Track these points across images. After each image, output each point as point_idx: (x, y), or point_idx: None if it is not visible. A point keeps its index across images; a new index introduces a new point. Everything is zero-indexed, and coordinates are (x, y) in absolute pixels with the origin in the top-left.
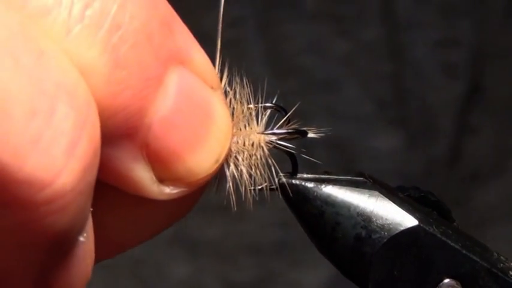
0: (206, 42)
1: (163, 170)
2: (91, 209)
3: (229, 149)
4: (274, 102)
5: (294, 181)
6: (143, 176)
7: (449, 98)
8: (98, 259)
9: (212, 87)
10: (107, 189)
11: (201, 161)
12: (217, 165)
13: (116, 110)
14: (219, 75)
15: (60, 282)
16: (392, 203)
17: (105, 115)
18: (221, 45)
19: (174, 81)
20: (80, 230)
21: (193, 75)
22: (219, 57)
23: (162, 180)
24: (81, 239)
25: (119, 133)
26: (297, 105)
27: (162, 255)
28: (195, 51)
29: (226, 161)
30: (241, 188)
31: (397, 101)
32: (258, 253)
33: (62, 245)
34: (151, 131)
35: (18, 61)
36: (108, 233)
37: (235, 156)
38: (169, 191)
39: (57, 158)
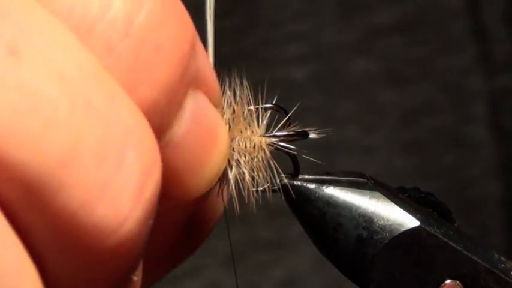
0: None
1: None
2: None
3: (230, 152)
4: (274, 102)
5: (295, 182)
6: None
7: None
8: None
9: (215, 105)
10: None
11: (197, 183)
12: (208, 186)
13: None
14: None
15: None
16: (394, 204)
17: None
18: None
19: (190, 105)
20: (135, 269)
21: (205, 97)
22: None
23: None
24: (135, 278)
25: None
26: (297, 105)
27: None
28: (208, 71)
29: (228, 163)
30: (243, 191)
31: None
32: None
33: (119, 286)
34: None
35: (90, 104)
36: None
37: (237, 159)
38: None
39: (125, 205)
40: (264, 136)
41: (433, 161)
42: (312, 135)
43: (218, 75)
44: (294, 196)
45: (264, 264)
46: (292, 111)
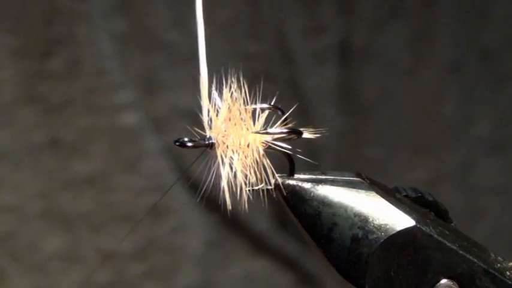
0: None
1: None
2: None
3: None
4: (272, 103)
5: (290, 182)
6: None
7: (323, 82)
8: None
9: None
10: None
11: None
12: None
13: None
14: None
15: None
16: (390, 204)
17: None
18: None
19: None
20: None
21: None
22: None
23: None
24: None
25: None
26: (295, 106)
27: (32, 230)
28: None
29: (222, 160)
30: (234, 188)
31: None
32: (131, 221)
33: None
34: None
35: None
36: None
37: (231, 157)
38: None
39: None
40: (257, 133)
41: None
42: (306, 135)
43: (215, 75)
44: (286, 195)
45: None
46: (289, 111)
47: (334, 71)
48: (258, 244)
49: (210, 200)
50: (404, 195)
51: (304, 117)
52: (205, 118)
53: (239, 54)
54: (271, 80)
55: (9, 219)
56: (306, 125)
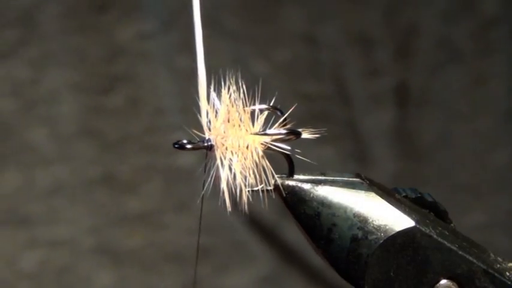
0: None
1: None
2: None
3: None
4: (271, 104)
5: (290, 182)
6: None
7: (379, 125)
8: None
9: None
10: None
11: None
12: None
13: None
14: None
15: None
16: (389, 204)
17: None
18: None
19: None
20: None
21: None
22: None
23: None
24: None
25: None
26: (294, 106)
27: (86, 265)
28: None
29: (221, 162)
30: (233, 190)
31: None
32: (181, 260)
33: None
34: None
35: None
36: None
37: (230, 158)
38: None
39: None
40: (256, 134)
41: None
42: (305, 135)
43: (214, 77)
44: (285, 196)
45: None
46: (288, 112)
47: (391, 114)
48: (314, 278)
49: (268, 235)
50: (403, 196)
51: (360, 159)
52: (203, 120)
53: (297, 94)
54: (329, 120)
55: (64, 253)
56: (363, 167)
